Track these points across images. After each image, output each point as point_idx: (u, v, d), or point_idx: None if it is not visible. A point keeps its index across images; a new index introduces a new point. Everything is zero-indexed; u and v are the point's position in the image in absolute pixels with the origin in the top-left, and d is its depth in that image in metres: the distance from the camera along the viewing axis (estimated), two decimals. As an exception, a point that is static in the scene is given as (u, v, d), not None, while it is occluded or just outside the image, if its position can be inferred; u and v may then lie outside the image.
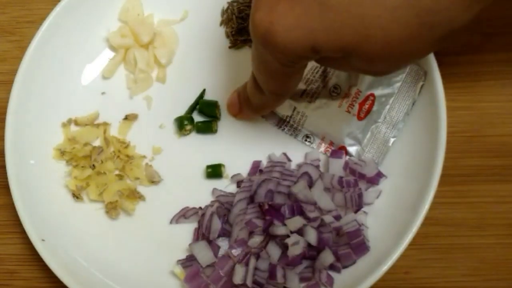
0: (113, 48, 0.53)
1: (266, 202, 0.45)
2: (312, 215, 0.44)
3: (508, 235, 0.49)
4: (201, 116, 0.52)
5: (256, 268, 0.44)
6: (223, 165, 0.50)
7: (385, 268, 0.43)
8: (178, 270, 0.46)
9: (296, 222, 0.43)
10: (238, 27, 0.52)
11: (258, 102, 0.46)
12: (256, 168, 0.49)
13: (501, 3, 0.52)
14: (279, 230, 0.44)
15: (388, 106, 0.49)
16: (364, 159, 0.48)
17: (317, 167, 0.48)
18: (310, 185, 0.46)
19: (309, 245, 0.44)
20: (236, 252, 0.45)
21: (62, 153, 0.50)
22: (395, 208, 0.46)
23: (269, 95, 0.43)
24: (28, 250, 0.49)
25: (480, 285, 0.48)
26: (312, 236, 0.43)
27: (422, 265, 0.48)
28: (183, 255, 0.47)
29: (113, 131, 0.51)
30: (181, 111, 0.52)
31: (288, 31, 0.34)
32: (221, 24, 0.54)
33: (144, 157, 0.51)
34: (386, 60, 0.35)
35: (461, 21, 0.33)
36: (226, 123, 0.51)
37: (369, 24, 0.32)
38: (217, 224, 0.46)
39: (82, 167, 0.49)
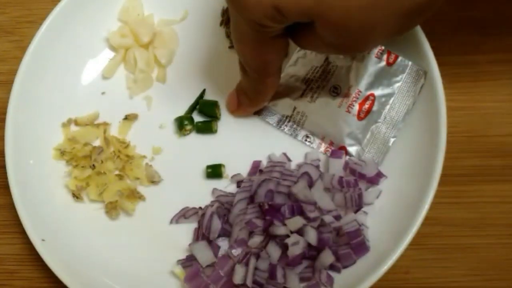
0: (113, 48, 0.53)
1: (266, 202, 0.45)
2: (312, 215, 0.44)
3: (508, 235, 0.49)
4: (201, 116, 0.52)
5: (256, 268, 0.44)
6: (223, 165, 0.50)
7: (385, 268, 0.43)
8: (178, 270, 0.46)
9: (296, 222, 0.43)
10: (238, 27, 0.52)
11: (248, 87, 0.46)
12: (256, 168, 0.49)
13: (501, 3, 0.52)
14: (279, 230, 0.44)
15: (388, 106, 0.49)
16: (364, 159, 0.48)
17: (317, 167, 0.48)
18: (310, 185, 0.46)
19: (309, 245, 0.44)
20: (236, 252, 0.45)
21: (62, 153, 0.50)
22: (395, 208, 0.46)
23: (251, 73, 0.43)
24: (28, 250, 0.49)
25: (480, 285, 0.48)
26: (312, 236, 0.43)
27: (422, 265, 0.48)
28: (183, 255, 0.47)
29: (113, 131, 0.51)
30: (181, 111, 0.52)
31: None
32: (221, 24, 0.54)
33: (144, 157, 0.51)
34: (348, 30, 0.34)
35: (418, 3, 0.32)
36: (226, 123, 0.51)
37: None
38: (217, 224, 0.46)
39: (82, 167, 0.49)
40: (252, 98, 0.48)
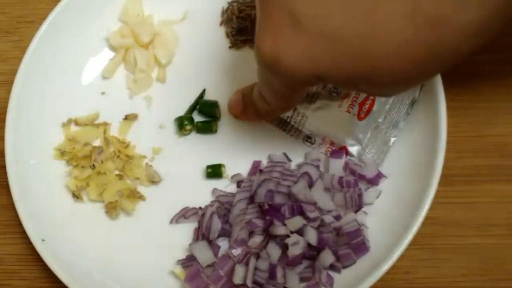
0: (113, 48, 0.53)
1: (266, 202, 0.45)
2: (312, 215, 0.44)
3: (508, 235, 0.49)
4: (201, 116, 0.52)
5: (256, 268, 0.44)
6: (223, 165, 0.50)
7: (385, 268, 0.43)
8: (178, 270, 0.46)
9: (296, 222, 0.43)
10: (238, 27, 0.52)
11: (264, 109, 0.46)
12: (256, 168, 0.49)
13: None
14: (279, 230, 0.44)
15: (388, 106, 0.49)
16: (364, 160, 0.48)
17: (317, 167, 0.48)
18: (310, 185, 0.46)
19: (309, 245, 0.44)
20: (236, 252, 0.45)
21: (62, 153, 0.50)
22: (395, 208, 0.46)
23: (274, 107, 0.43)
24: (28, 250, 0.49)
25: (480, 285, 0.48)
26: (312, 236, 0.43)
27: (422, 265, 0.48)
28: (183, 255, 0.47)
29: (113, 131, 0.51)
30: (181, 111, 0.52)
31: (294, 61, 0.34)
32: (221, 24, 0.54)
33: (144, 157, 0.51)
34: (393, 88, 0.35)
35: (464, 53, 0.33)
36: (226, 123, 0.51)
37: (376, 56, 0.32)
38: (217, 224, 0.46)
39: (82, 167, 0.49)
40: (262, 116, 0.47)
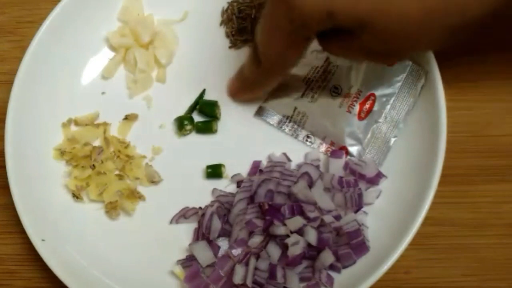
0: (113, 48, 0.53)
1: (266, 202, 0.45)
2: (312, 215, 0.44)
3: (508, 235, 0.49)
4: (201, 116, 0.52)
5: (256, 268, 0.44)
6: (223, 165, 0.50)
7: (385, 268, 0.43)
8: (178, 270, 0.46)
9: (296, 222, 0.43)
10: (238, 27, 0.52)
11: (252, 76, 0.46)
12: (256, 168, 0.49)
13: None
14: (279, 230, 0.44)
15: (389, 106, 0.49)
16: (364, 160, 0.48)
17: (317, 167, 0.48)
18: (310, 185, 0.46)
19: (309, 245, 0.44)
20: (236, 252, 0.45)
21: (62, 153, 0.50)
22: (395, 208, 0.46)
23: (265, 64, 0.43)
24: (28, 250, 0.49)
25: (480, 285, 0.48)
26: (312, 236, 0.43)
27: (422, 265, 0.48)
28: (183, 255, 0.47)
29: (113, 131, 0.51)
30: (181, 111, 0.52)
31: None
32: (221, 24, 0.54)
33: (144, 157, 0.51)
34: (397, 39, 0.35)
35: (473, 12, 0.33)
36: (226, 123, 0.51)
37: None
38: (217, 224, 0.46)
39: (82, 167, 0.49)
40: (252, 87, 0.48)
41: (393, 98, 0.49)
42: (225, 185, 0.49)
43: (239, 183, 0.48)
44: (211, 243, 0.46)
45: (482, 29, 0.35)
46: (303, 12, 0.35)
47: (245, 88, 0.49)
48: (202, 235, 0.47)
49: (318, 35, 0.40)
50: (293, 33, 0.38)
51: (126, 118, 0.51)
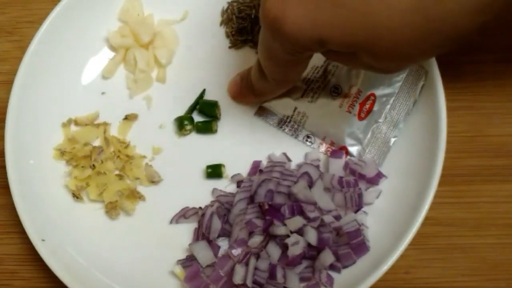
0: (113, 48, 0.53)
1: (266, 202, 0.45)
2: (312, 215, 0.44)
3: (508, 235, 0.49)
4: (201, 116, 0.52)
5: (256, 268, 0.44)
6: (223, 165, 0.50)
7: (385, 268, 0.43)
8: (178, 270, 0.46)
9: (296, 222, 0.43)
10: (238, 27, 0.52)
11: (261, 88, 0.46)
12: (256, 168, 0.49)
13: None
14: (279, 230, 0.44)
15: (389, 106, 0.49)
16: (364, 160, 0.48)
17: (317, 167, 0.48)
18: (310, 185, 0.46)
19: (309, 245, 0.44)
20: (236, 252, 0.45)
21: (62, 153, 0.50)
22: (395, 208, 0.46)
23: (273, 82, 0.44)
24: (28, 250, 0.49)
25: (480, 285, 0.48)
26: (312, 236, 0.43)
27: (422, 265, 0.48)
28: (183, 255, 0.47)
29: (113, 131, 0.51)
30: (181, 111, 0.52)
31: (297, 22, 0.34)
32: (221, 24, 0.54)
33: (144, 157, 0.51)
34: (393, 59, 0.35)
35: (466, 29, 0.33)
36: (226, 123, 0.51)
37: (378, 24, 0.32)
38: (217, 224, 0.46)
39: (82, 167, 0.49)
40: (260, 96, 0.48)
41: (393, 98, 0.49)
42: (225, 185, 0.49)
43: (239, 183, 0.48)
44: (211, 243, 0.46)
45: (484, 31, 0.35)
46: (294, 42, 0.35)
47: (253, 95, 0.49)
48: (202, 235, 0.47)
49: None
50: (291, 58, 0.39)
51: (126, 118, 0.51)
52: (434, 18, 0.32)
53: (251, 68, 0.47)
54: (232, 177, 0.49)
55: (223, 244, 0.47)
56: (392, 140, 0.48)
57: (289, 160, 0.49)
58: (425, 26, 0.32)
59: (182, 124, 0.50)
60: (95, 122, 0.52)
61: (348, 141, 0.49)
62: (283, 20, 0.35)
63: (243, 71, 0.50)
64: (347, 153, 0.49)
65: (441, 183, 0.44)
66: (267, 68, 0.42)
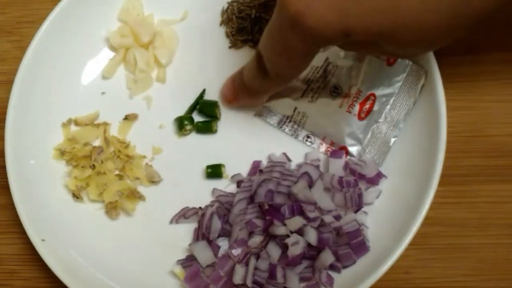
0: (113, 48, 0.53)
1: (266, 202, 0.45)
2: (312, 215, 0.44)
3: (508, 235, 0.49)
4: (201, 116, 0.52)
5: (256, 268, 0.44)
6: (223, 165, 0.50)
7: (385, 268, 0.43)
8: (178, 270, 0.46)
9: (296, 222, 0.43)
10: (238, 27, 0.52)
11: (257, 86, 0.46)
12: (256, 168, 0.49)
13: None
14: (279, 230, 0.44)
15: (389, 106, 0.49)
16: (364, 160, 0.48)
17: (317, 167, 0.48)
18: (310, 185, 0.46)
19: (309, 245, 0.44)
20: (236, 252, 0.45)
21: (62, 153, 0.50)
22: (395, 208, 0.46)
23: (274, 77, 0.43)
24: (28, 250, 0.49)
25: (480, 285, 0.48)
26: (312, 236, 0.43)
27: (422, 265, 0.48)
28: (183, 255, 0.47)
29: (113, 131, 0.51)
30: (181, 111, 0.52)
31: (322, 15, 0.34)
32: (221, 24, 0.54)
33: (144, 157, 0.51)
34: (418, 45, 0.35)
35: (490, 8, 0.33)
36: (226, 123, 0.51)
37: (403, 11, 0.32)
38: (217, 224, 0.46)
39: (82, 167, 0.49)
40: (255, 95, 0.48)
41: (393, 98, 0.49)
42: (225, 185, 0.49)
43: (239, 183, 0.48)
44: (211, 243, 0.46)
45: (483, 31, 0.35)
46: (319, 35, 0.35)
47: (247, 96, 0.48)
48: (202, 235, 0.47)
49: None
50: (307, 51, 0.38)
51: (126, 118, 0.51)
52: (460, 1, 0.32)
53: (242, 69, 0.47)
54: (232, 177, 0.49)
55: (223, 244, 0.47)
56: (392, 140, 0.48)
57: (289, 160, 0.49)
58: (450, 11, 0.32)
59: (182, 124, 0.50)
60: (95, 122, 0.52)
61: (348, 141, 0.49)
62: (307, 14, 0.34)
63: (233, 74, 0.50)
64: (347, 153, 0.49)
65: (441, 183, 0.44)
66: (274, 63, 0.41)
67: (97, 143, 0.51)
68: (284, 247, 0.44)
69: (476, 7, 0.32)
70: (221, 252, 0.46)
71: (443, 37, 0.35)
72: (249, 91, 0.47)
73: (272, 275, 0.43)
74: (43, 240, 0.46)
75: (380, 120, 0.48)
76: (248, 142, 0.50)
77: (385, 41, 0.35)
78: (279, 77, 0.43)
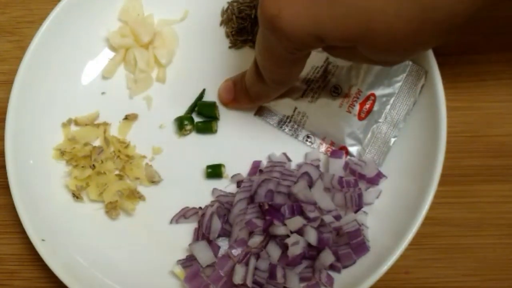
0: (113, 48, 0.53)
1: (266, 202, 0.45)
2: (312, 215, 0.44)
3: (508, 235, 0.49)
4: (201, 117, 0.52)
5: (256, 268, 0.44)
6: (223, 165, 0.50)
7: (385, 268, 0.43)
8: (178, 270, 0.46)
9: (296, 222, 0.43)
10: (238, 27, 0.52)
11: (257, 91, 0.46)
12: (256, 168, 0.49)
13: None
14: (279, 230, 0.44)
15: (389, 106, 0.49)
16: (364, 160, 0.48)
17: (317, 167, 0.48)
18: (310, 185, 0.46)
19: (309, 245, 0.44)
20: (236, 252, 0.45)
21: (62, 153, 0.50)
22: (395, 208, 0.46)
23: (270, 83, 0.43)
24: (28, 250, 0.49)
25: (480, 285, 0.48)
26: (312, 236, 0.43)
27: (422, 265, 0.48)
28: (183, 255, 0.47)
29: (113, 131, 0.51)
30: (181, 111, 0.52)
31: (295, 18, 0.34)
32: (221, 24, 0.54)
33: (144, 157, 0.51)
34: (390, 52, 0.35)
35: (463, 16, 0.33)
36: (226, 123, 0.51)
37: (373, 17, 0.33)
38: (217, 224, 0.46)
39: (82, 167, 0.49)
40: (255, 99, 0.48)
41: (393, 98, 0.49)
42: (225, 185, 0.49)
43: (239, 183, 0.49)
44: (211, 243, 0.46)
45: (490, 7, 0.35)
46: (293, 39, 0.36)
47: (248, 100, 0.49)
48: (202, 235, 0.47)
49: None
50: (291, 56, 0.39)
51: (126, 118, 0.51)
52: (428, 8, 0.32)
53: (244, 73, 0.47)
54: (232, 177, 0.49)
55: (223, 244, 0.47)
56: (392, 140, 0.48)
57: (289, 160, 0.49)
58: (420, 16, 0.32)
59: (182, 124, 0.50)
60: (95, 122, 0.52)
61: (348, 141, 0.49)
62: (280, 17, 0.35)
63: (234, 76, 0.50)
64: (347, 153, 0.49)
65: (441, 183, 0.44)
66: (266, 69, 0.42)
67: (97, 143, 0.51)
68: (284, 247, 0.44)
69: (446, 14, 0.33)
70: (221, 252, 0.46)
71: (416, 45, 0.35)
72: (251, 96, 0.47)
73: (272, 275, 0.43)
74: (43, 240, 0.46)
75: (380, 120, 0.48)
76: (248, 142, 0.50)
77: (360, 46, 0.35)
78: (275, 83, 0.44)
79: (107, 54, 0.53)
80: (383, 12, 0.32)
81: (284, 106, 0.50)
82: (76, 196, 0.49)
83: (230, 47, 0.53)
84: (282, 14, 0.35)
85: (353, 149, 0.48)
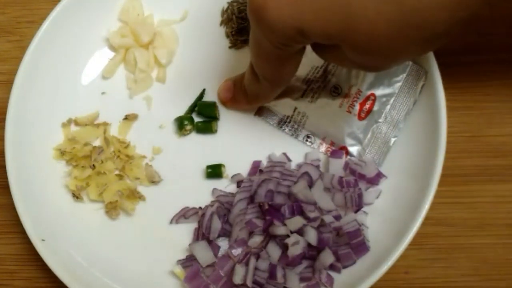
0: (113, 48, 0.53)
1: (266, 202, 0.45)
2: (312, 215, 0.44)
3: (508, 235, 0.49)
4: (201, 117, 0.52)
5: (256, 268, 0.44)
6: (223, 165, 0.50)
7: (385, 268, 0.43)
8: (178, 270, 0.46)
9: (296, 222, 0.43)
10: (238, 27, 0.52)
11: (254, 91, 0.46)
12: (256, 168, 0.49)
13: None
14: (279, 230, 0.44)
15: (389, 106, 0.49)
16: (364, 160, 0.48)
17: (317, 167, 0.48)
18: (310, 185, 0.46)
19: (309, 245, 0.44)
20: (236, 252, 0.45)
21: (62, 153, 0.50)
22: (395, 208, 0.46)
23: (264, 82, 0.44)
24: (28, 250, 0.49)
25: (480, 285, 0.48)
26: (312, 236, 0.43)
27: (422, 265, 0.48)
28: (183, 255, 0.47)
29: (113, 131, 0.51)
30: (181, 111, 0.52)
31: (278, 10, 0.34)
32: (221, 24, 0.54)
33: (144, 157, 0.51)
34: (374, 54, 0.35)
35: (444, 26, 0.33)
36: (226, 123, 0.51)
37: (355, 14, 0.33)
38: (217, 224, 0.46)
39: (82, 167, 0.49)
40: (253, 100, 0.48)
41: (393, 98, 0.49)
42: (225, 185, 0.49)
43: (239, 183, 0.49)
44: (211, 243, 0.46)
45: (479, 22, 0.35)
46: (276, 32, 0.36)
47: (246, 101, 0.49)
48: (202, 235, 0.47)
49: (313, 46, 0.40)
50: (279, 52, 0.39)
51: (126, 118, 0.51)
52: (408, 10, 0.32)
53: (243, 74, 0.48)
54: (232, 177, 0.49)
55: (223, 244, 0.47)
56: (392, 140, 0.48)
57: (289, 160, 0.49)
58: (399, 18, 0.32)
59: (182, 124, 0.50)
60: (95, 122, 0.52)
61: (348, 141, 0.49)
62: (265, 8, 0.35)
63: (235, 77, 0.50)
64: (347, 153, 0.49)
65: (441, 183, 0.44)
66: (258, 66, 0.42)
67: (97, 143, 0.51)
68: (284, 247, 0.44)
69: (427, 21, 0.32)
70: (221, 252, 0.46)
71: (398, 50, 0.35)
72: (248, 96, 0.48)
73: (272, 275, 0.43)
74: (43, 240, 0.46)
75: (380, 120, 0.49)
76: (248, 142, 0.50)
77: (344, 46, 0.35)
78: (268, 81, 0.44)
79: (107, 54, 0.53)
80: (363, 7, 0.32)
81: (284, 106, 0.50)
82: (76, 196, 0.49)
83: (230, 47, 0.53)
84: (267, 5, 0.35)
85: (353, 149, 0.49)
